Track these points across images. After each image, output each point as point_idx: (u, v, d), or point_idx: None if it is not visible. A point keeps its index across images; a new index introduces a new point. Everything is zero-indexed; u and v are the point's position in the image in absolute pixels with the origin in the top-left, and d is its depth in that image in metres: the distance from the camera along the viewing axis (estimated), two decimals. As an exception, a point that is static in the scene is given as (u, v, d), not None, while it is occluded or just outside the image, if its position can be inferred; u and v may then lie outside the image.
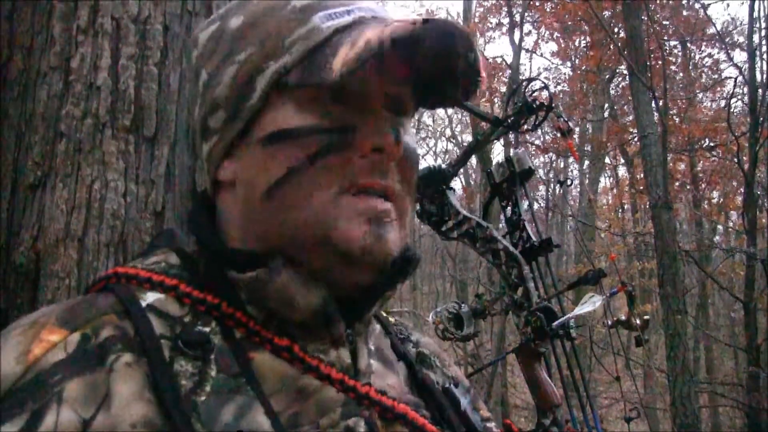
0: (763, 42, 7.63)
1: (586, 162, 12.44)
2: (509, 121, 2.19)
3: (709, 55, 11.64)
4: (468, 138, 12.35)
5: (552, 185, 12.35)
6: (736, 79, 8.05)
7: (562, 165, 14.60)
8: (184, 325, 0.53)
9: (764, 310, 7.57)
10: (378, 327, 0.68)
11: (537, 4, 11.35)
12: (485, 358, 8.37)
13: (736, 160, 6.57)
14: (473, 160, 9.25)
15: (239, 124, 0.57)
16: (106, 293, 0.55)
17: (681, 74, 11.56)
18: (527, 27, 12.03)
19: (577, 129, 12.04)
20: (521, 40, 11.41)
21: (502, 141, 9.24)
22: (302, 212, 0.54)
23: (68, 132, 0.88)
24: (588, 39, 11.15)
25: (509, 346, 7.45)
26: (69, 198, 0.86)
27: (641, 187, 9.50)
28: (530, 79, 2.30)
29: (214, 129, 0.59)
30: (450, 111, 12.52)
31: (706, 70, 11.89)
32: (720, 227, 11.76)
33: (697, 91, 11.23)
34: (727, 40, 10.40)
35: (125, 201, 0.87)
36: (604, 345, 7.80)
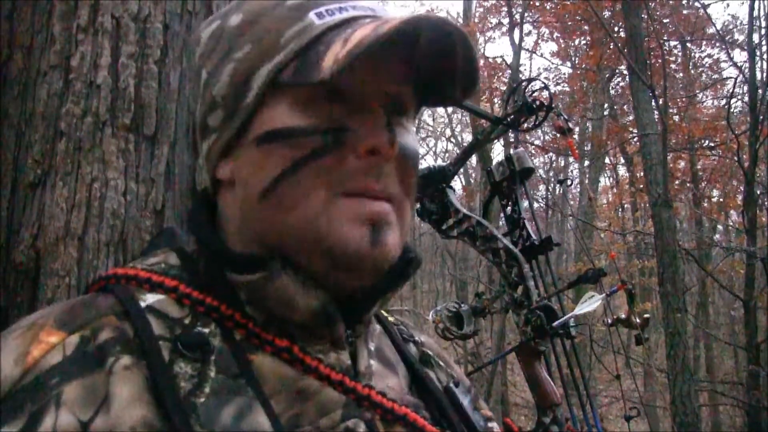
0: (763, 41, 7.64)
1: (586, 161, 12.43)
2: (509, 119, 2.19)
3: (709, 55, 11.66)
4: (468, 137, 12.37)
5: (552, 184, 12.34)
6: (736, 78, 8.05)
7: (562, 164, 14.62)
8: (183, 327, 0.53)
9: (764, 309, 7.57)
10: (378, 327, 0.68)
11: (537, 4, 11.34)
12: (485, 357, 8.37)
13: (736, 158, 6.56)
14: (473, 158, 9.26)
15: (236, 123, 0.56)
16: (106, 294, 0.55)
17: (681, 73, 11.55)
18: (527, 27, 12.04)
19: (576, 129, 12.03)
20: (521, 40, 11.41)
21: (502, 140, 9.25)
22: (297, 214, 0.53)
23: (68, 130, 0.87)
24: (588, 38, 11.14)
25: (509, 344, 7.46)
26: (69, 196, 0.86)
27: (641, 186, 9.50)
28: (530, 80, 2.29)
29: (212, 127, 0.58)
30: (450, 110, 12.53)
31: (706, 69, 11.90)
32: (720, 226, 11.74)
33: (697, 91, 11.23)
34: (727, 38, 10.39)
35: (125, 200, 0.87)
36: (604, 343, 7.81)
